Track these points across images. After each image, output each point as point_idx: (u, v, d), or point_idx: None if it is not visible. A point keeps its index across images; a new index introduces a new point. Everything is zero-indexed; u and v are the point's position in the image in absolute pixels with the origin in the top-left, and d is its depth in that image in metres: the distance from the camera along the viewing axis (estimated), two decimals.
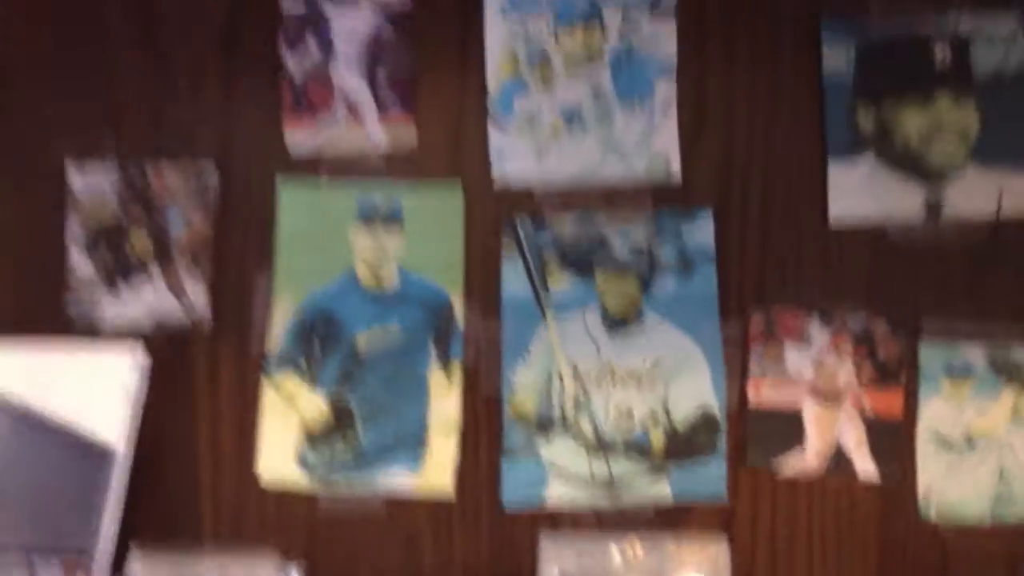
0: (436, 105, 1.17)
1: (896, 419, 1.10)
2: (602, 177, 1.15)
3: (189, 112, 1.17)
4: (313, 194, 1.16)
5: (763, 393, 1.11)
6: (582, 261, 1.14)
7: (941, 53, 1.12)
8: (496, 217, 1.15)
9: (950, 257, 1.12)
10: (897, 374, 1.11)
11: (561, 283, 1.14)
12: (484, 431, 1.13)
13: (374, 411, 1.13)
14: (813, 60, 1.14)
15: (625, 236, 1.14)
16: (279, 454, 1.13)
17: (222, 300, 1.15)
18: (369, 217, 1.16)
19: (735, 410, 1.11)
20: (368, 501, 1.13)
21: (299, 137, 1.17)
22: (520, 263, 1.14)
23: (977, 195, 1.11)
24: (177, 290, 1.15)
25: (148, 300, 1.15)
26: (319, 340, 1.14)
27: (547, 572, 1.09)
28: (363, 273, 1.15)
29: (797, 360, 1.11)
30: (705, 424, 1.11)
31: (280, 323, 1.15)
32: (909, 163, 1.12)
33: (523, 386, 1.13)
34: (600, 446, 1.11)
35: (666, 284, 1.13)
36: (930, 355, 1.11)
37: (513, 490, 1.12)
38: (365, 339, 1.14)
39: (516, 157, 1.15)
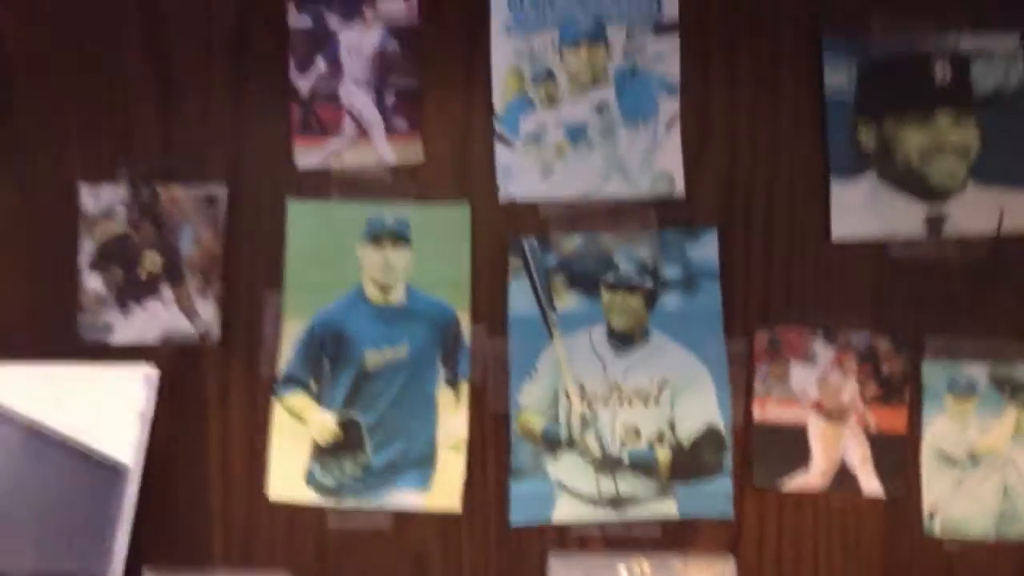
0: (442, 122, 1.17)
1: (900, 436, 1.11)
2: (607, 195, 1.15)
3: (198, 132, 1.18)
4: (322, 212, 1.17)
5: (768, 411, 1.12)
6: (588, 279, 1.14)
7: (942, 71, 1.13)
8: (502, 234, 1.15)
9: (952, 274, 1.12)
10: (901, 391, 1.11)
11: (567, 301, 1.14)
12: (492, 448, 1.13)
13: (383, 429, 1.14)
14: (815, 78, 1.14)
15: (630, 254, 1.14)
16: (289, 472, 1.14)
17: (232, 318, 1.16)
18: (377, 235, 1.16)
19: (741, 428, 1.12)
20: (377, 518, 1.13)
21: (307, 155, 1.17)
22: (527, 282, 1.14)
23: (978, 212, 1.12)
24: (187, 308, 1.16)
25: (159, 318, 1.16)
26: (328, 358, 1.15)
27: None
28: (371, 290, 1.16)
29: (802, 378, 1.12)
30: (711, 442, 1.11)
31: (289, 341, 1.15)
32: (910, 181, 1.13)
33: (530, 404, 1.13)
34: (607, 463, 1.12)
35: (671, 302, 1.13)
36: (933, 372, 1.11)
37: (520, 508, 1.12)
38: (373, 357, 1.15)
39: (522, 175, 1.16)
